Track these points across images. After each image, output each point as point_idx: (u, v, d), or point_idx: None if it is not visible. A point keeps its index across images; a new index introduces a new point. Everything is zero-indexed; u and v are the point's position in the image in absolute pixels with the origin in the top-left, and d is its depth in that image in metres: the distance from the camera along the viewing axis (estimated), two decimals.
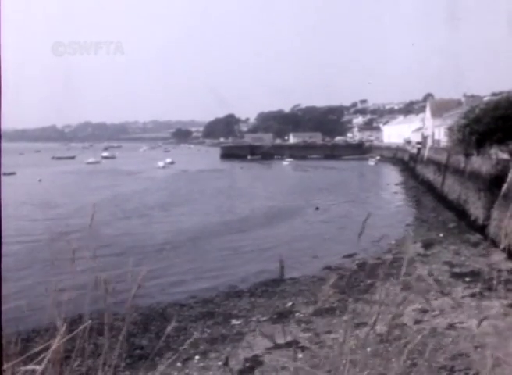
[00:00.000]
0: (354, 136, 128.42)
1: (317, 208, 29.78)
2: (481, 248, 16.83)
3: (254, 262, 17.38)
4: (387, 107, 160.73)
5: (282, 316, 11.41)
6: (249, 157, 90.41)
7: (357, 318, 10.40)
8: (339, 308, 11.27)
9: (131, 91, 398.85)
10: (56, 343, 1.92)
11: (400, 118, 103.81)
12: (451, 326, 8.97)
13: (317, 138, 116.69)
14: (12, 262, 13.70)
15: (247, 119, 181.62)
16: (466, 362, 6.51)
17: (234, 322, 11.29)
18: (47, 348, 2.00)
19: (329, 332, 9.62)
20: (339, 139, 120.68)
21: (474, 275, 13.20)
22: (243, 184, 47.92)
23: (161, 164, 73.70)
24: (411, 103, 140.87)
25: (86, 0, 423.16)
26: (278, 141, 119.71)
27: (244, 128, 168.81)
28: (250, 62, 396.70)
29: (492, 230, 17.51)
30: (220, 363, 8.83)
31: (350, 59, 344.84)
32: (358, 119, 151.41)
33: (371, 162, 74.45)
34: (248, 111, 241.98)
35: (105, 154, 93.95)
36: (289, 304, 12.34)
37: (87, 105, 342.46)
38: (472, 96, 53.52)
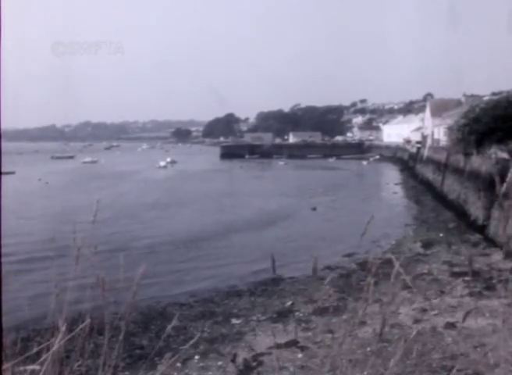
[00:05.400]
0: (354, 135, 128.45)
1: (314, 209, 29.74)
2: (480, 247, 16.85)
3: (253, 261, 17.36)
4: (387, 107, 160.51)
5: (282, 316, 11.42)
6: (247, 156, 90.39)
7: (356, 317, 10.41)
8: (338, 307, 11.28)
9: (131, 91, 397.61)
10: (57, 343, 1.92)
11: (400, 117, 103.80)
12: (451, 326, 8.98)
13: (316, 138, 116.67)
14: (12, 260, 13.70)
15: (247, 119, 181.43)
16: (466, 362, 6.51)
17: (234, 321, 11.30)
18: (47, 348, 2.00)
19: (329, 331, 9.62)
20: (338, 138, 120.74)
21: (474, 274, 13.21)
22: (242, 185, 47.92)
23: (162, 163, 73.21)
24: (411, 103, 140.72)
25: (86, 0, 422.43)
26: (278, 141, 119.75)
27: (244, 127, 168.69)
28: (250, 62, 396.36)
29: (491, 230, 17.52)
30: (220, 363, 8.84)
31: (350, 59, 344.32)
32: (358, 119, 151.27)
33: (364, 162, 74.45)
34: (248, 110, 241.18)
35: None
36: (289, 303, 12.35)
37: (87, 104, 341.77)
38: (472, 96, 53.58)
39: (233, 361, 8.75)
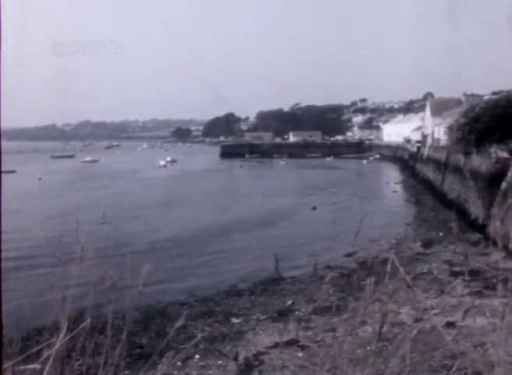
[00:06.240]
0: (354, 135, 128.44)
1: (314, 208, 29.71)
2: (481, 247, 16.84)
3: (253, 261, 17.38)
4: (387, 106, 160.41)
5: (282, 315, 11.42)
6: (247, 155, 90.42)
7: (356, 317, 10.41)
8: (339, 306, 11.28)
9: (131, 90, 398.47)
10: (59, 342, 1.92)
11: (400, 117, 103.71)
12: (451, 325, 8.98)
13: (316, 137, 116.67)
14: (15, 259, 13.71)
15: (247, 118, 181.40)
16: (465, 361, 6.51)
17: (234, 320, 11.30)
18: (48, 347, 2.00)
19: (329, 330, 9.62)
20: (338, 138, 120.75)
21: (474, 274, 13.20)
22: (243, 184, 47.92)
23: (162, 163, 73.21)
24: (411, 102, 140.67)
25: (86, 0, 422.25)
26: (277, 140, 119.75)
27: (244, 127, 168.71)
28: (250, 62, 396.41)
29: (491, 229, 17.52)
30: (220, 362, 8.84)
31: (350, 58, 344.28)
32: (358, 118, 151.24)
33: (364, 161, 74.66)
34: (248, 110, 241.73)
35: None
36: (289, 302, 12.35)
37: (87, 103, 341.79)
38: (472, 95, 53.52)
39: (235, 359, 8.75)
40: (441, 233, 19.89)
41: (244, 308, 12.28)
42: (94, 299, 2.56)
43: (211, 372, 8.50)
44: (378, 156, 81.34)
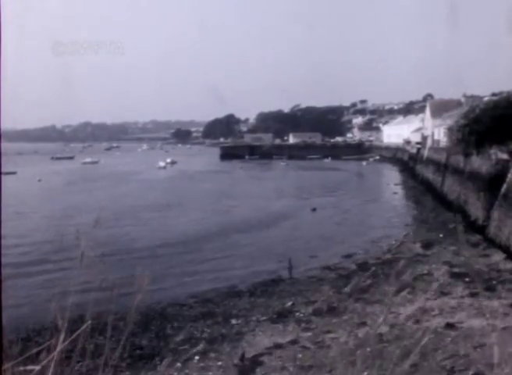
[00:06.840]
0: (354, 136, 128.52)
1: (314, 209, 29.69)
2: (480, 248, 16.83)
3: (253, 262, 17.38)
4: (387, 107, 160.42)
5: (282, 316, 11.42)
6: (247, 157, 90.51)
7: (356, 318, 10.41)
8: (338, 308, 11.28)
9: (131, 91, 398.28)
10: (59, 344, 1.92)
11: (400, 118, 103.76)
12: (451, 326, 8.97)
13: (316, 138, 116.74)
14: (16, 261, 13.73)
15: (247, 120, 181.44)
16: (466, 362, 6.51)
17: (234, 321, 11.29)
18: (47, 348, 2.00)
19: (329, 332, 9.62)
20: (338, 139, 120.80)
21: (474, 275, 13.19)
22: (242, 185, 47.90)
23: (161, 164, 73.27)
24: (411, 103, 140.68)
25: (86, 0, 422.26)
26: (277, 141, 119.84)
27: (244, 128, 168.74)
28: (250, 63, 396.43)
29: (491, 230, 17.51)
30: (220, 363, 8.83)
31: (350, 59, 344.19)
32: (358, 120, 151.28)
33: (364, 162, 74.87)
34: (248, 111, 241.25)
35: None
36: (289, 304, 12.34)
37: (87, 105, 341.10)
38: (472, 96, 53.64)
39: (242, 360, 8.72)
40: (441, 235, 19.89)
41: (244, 309, 12.27)
42: (95, 301, 2.55)
43: (210, 373, 8.50)
44: (377, 157, 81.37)
